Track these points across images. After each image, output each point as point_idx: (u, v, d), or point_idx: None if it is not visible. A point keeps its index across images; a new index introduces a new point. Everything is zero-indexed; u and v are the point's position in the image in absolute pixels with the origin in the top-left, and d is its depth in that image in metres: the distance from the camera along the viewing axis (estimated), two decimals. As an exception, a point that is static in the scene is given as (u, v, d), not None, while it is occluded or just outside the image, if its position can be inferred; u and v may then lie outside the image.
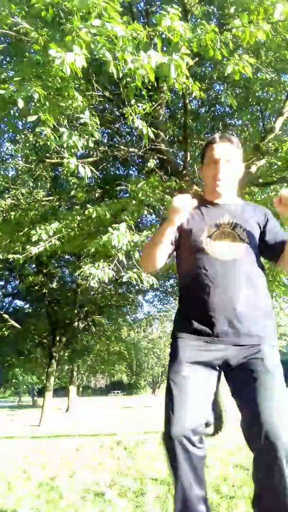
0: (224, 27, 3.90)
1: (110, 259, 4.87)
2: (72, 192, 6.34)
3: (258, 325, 1.48)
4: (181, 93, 5.69)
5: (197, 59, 4.32)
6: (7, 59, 4.62)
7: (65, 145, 3.53)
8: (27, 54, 4.08)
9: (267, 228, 1.63)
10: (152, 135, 4.14)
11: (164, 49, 3.20)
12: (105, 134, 6.86)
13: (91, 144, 3.80)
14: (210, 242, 1.53)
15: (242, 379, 1.43)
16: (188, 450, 1.34)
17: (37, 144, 5.38)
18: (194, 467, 1.37)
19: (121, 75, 2.86)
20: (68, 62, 2.39)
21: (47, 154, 5.33)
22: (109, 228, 4.36)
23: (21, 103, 2.99)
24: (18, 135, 5.39)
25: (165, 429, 1.37)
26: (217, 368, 1.47)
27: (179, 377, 1.42)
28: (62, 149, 3.89)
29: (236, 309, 1.45)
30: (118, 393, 41.41)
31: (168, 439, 1.36)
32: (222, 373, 1.52)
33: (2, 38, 4.29)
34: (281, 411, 1.33)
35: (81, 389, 40.75)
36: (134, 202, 5.09)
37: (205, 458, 1.43)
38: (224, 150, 1.60)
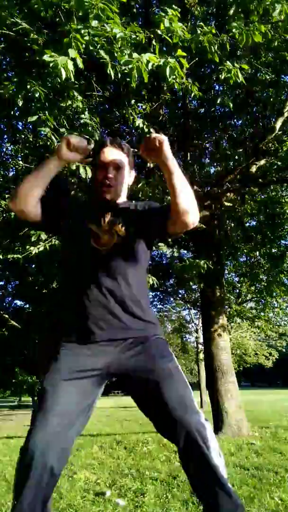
0: (223, 29, 3.90)
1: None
2: (72, 193, 6.33)
3: (135, 319, 1.46)
4: (181, 94, 5.69)
5: (197, 59, 4.32)
6: (7, 59, 4.61)
7: None
8: (27, 54, 4.09)
9: (151, 210, 1.62)
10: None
11: (164, 49, 3.21)
12: (105, 135, 6.86)
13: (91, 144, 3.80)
14: (87, 238, 1.51)
15: (137, 383, 1.40)
16: (43, 471, 1.19)
17: (37, 145, 5.38)
18: (44, 494, 1.20)
19: (119, 76, 2.86)
20: (62, 65, 2.39)
21: (47, 155, 5.33)
22: None
23: (20, 103, 2.99)
24: (18, 135, 5.39)
25: (25, 440, 1.23)
26: (98, 377, 1.40)
27: (54, 387, 1.31)
28: None
29: (111, 305, 1.43)
30: (118, 393, 41.38)
31: (25, 452, 1.21)
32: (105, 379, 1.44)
33: (2, 38, 4.29)
34: (183, 397, 1.34)
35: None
36: (134, 202, 5.07)
37: (56, 482, 1.26)
38: (114, 155, 1.59)
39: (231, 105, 4.68)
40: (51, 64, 2.39)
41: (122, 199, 1.68)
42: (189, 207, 1.44)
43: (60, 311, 1.56)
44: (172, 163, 1.48)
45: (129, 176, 1.69)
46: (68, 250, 1.59)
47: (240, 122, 7.42)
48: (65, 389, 1.31)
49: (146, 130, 4.02)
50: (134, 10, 5.64)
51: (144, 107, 4.54)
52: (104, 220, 1.55)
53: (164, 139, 1.44)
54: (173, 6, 2.89)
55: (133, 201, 1.75)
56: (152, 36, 2.82)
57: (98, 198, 1.64)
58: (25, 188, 1.47)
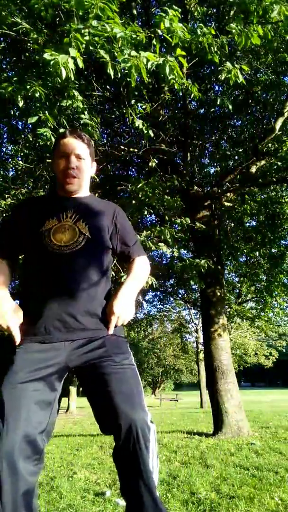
0: (223, 30, 3.91)
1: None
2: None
3: (93, 319, 1.43)
4: (181, 94, 5.69)
5: (197, 59, 4.33)
6: (7, 59, 4.62)
7: None
8: (27, 54, 4.10)
9: (118, 225, 1.63)
10: (152, 135, 4.15)
11: (164, 50, 3.21)
12: (105, 135, 6.86)
13: None
14: (48, 235, 1.46)
15: (90, 376, 1.38)
16: (17, 472, 1.18)
17: (37, 145, 5.38)
18: (23, 497, 1.19)
19: (119, 75, 2.86)
20: (62, 64, 2.39)
21: (47, 154, 5.33)
22: None
23: (21, 103, 2.99)
24: (18, 135, 5.39)
25: None
26: (57, 374, 1.37)
27: (13, 388, 1.28)
28: None
29: (69, 304, 1.40)
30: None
31: None
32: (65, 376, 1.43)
33: (1, 38, 4.30)
34: (133, 393, 1.33)
35: (81, 389, 40.77)
36: (134, 202, 5.09)
37: (35, 486, 1.25)
38: (74, 145, 1.55)
39: (230, 106, 4.68)
40: (51, 63, 2.39)
41: (85, 191, 1.65)
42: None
43: (21, 308, 1.56)
44: (128, 288, 1.57)
45: (91, 168, 1.65)
46: (29, 249, 1.52)
47: (240, 122, 7.43)
48: (24, 391, 1.28)
49: (145, 131, 4.01)
50: (134, 11, 5.64)
51: (144, 107, 4.54)
52: (66, 215, 1.51)
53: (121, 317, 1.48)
54: (174, 6, 2.89)
55: (95, 196, 1.74)
56: (153, 36, 2.82)
57: (60, 191, 1.60)
58: None
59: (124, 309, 1.47)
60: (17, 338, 1.39)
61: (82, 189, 1.62)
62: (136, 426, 1.25)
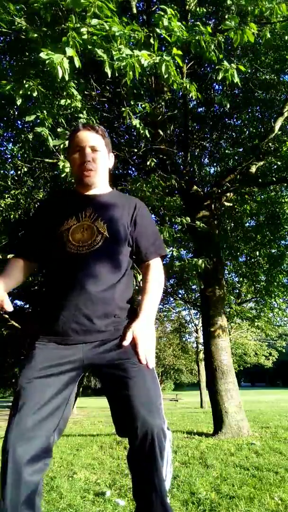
0: (219, 28, 3.92)
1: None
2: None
3: (111, 320, 1.41)
4: (180, 93, 5.69)
5: (195, 60, 4.33)
6: (7, 58, 4.62)
7: (61, 146, 3.53)
8: (26, 53, 4.09)
9: (137, 223, 1.55)
10: (148, 135, 4.15)
11: (164, 48, 3.21)
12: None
13: None
14: (66, 235, 1.44)
15: (109, 377, 1.37)
16: (23, 466, 1.18)
17: (37, 144, 5.38)
18: (27, 493, 1.19)
19: (116, 74, 2.86)
20: (57, 64, 2.39)
21: (47, 154, 5.33)
22: None
23: (19, 101, 2.98)
24: (17, 134, 5.39)
25: (3, 440, 1.22)
26: (74, 371, 1.37)
27: (29, 382, 1.29)
28: (58, 151, 3.88)
29: (86, 306, 1.37)
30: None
31: (3, 451, 1.19)
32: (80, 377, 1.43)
33: (1, 38, 4.30)
34: (152, 398, 1.31)
35: (81, 389, 40.74)
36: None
37: (40, 483, 1.24)
38: (89, 137, 1.51)
39: (228, 105, 4.67)
40: (47, 62, 2.38)
41: (104, 185, 1.61)
42: None
43: (39, 307, 1.58)
44: (149, 313, 1.48)
45: (108, 159, 1.61)
46: (49, 249, 1.49)
47: (239, 122, 7.43)
48: (39, 386, 1.29)
49: (142, 131, 4.01)
50: (134, 9, 5.64)
51: (144, 106, 4.53)
52: (85, 215, 1.48)
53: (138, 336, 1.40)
54: (173, 5, 2.90)
55: (117, 191, 1.67)
56: (151, 34, 2.82)
57: (78, 187, 1.57)
58: None
59: (146, 348, 1.41)
60: (8, 307, 1.38)
61: (100, 183, 1.57)
62: (152, 432, 1.23)
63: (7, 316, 14.27)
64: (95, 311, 1.39)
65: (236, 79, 3.23)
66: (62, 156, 3.78)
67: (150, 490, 1.24)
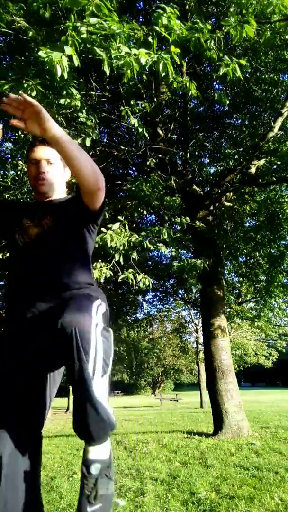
0: (217, 24, 3.91)
1: (108, 259, 4.85)
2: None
3: (60, 298, 1.39)
4: (180, 93, 5.68)
5: (194, 59, 4.32)
6: (6, 58, 4.61)
7: None
8: (26, 53, 4.08)
9: (74, 200, 1.62)
10: (147, 134, 4.15)
11: (164, 47, 3.20)
12: (104, 134, 6.86)
13: (88, 144, 3.79)
14: (20, 233, 1.57)
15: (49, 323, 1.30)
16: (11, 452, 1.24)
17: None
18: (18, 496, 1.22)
19: (115, 73, 2.85)
20: (56, 62, 2.39)
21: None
22: (102, 228, 4.35)
23: None
24: (17, 134, 5.39)
25: None
26: (35, 357, 1.40)
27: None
28: None
29: (40, 293, 1.43)
30: (118, 393, 41.42)
31: None
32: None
33: (1, 38, 4.29)
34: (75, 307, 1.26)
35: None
36: (133, 201, 5.07)
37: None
38: (43, 151, 1.62)
39: (227, 102, 4.64)
40: (46, 60, 2.38)
41: (60, 194, 1.71)
42: (93, 177, 1.43)
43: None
44: (62, 134, 1.33)
45: (63, 172, 1.71)
46: (8, 245, 1.66)
47: (239, 121, 7.42)
48: (8, 376, 1.35)
49: (140, 130, 4.00)
50: (134, 8, 5.64)
51: (144, 105, 4.52)
52: (39, 216, 1.60)
53: (39, 107, 1.26)
54: (172, 4, 2.88)
55: (68, 196, 1.77)
56: (150, 33, 2.81)
57: (36, 195, 1.69)
58: None
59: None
60: None
61: (55, 192, 1.68)
62: (72, 328, 1.17)
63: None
64: (50, 291, 1.44)
65: (238, 73, 3.21)
66: None
67: (76, 391, 1.18)
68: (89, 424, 1.15)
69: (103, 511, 1.16)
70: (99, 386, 1.18)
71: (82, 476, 1.17)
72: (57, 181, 1.67)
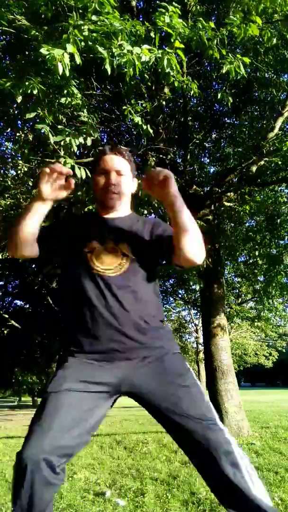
0: (222, 25, 3.91)
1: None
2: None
3: (146, 336, 1.41)
4: (180, 92, 5.68)
5: (196, 58, 4.31)
6: (7, 57, 4.60)
7: (62, 143, 3.51)
8: (27, 52, 4.08)
9: (155, 234, 1.54)
10: (151, 131, 4.14)
11: (165, 46, 3.19)
12: (104, 134, 6.85)
13: (89, 143, 3.79)
14: (91, 257, 1.45)
15: (151, 397, 1.36)
16: (36, 480, 1.16)
17: (36, 144, 5.37)
18: (40, 502, 1.18)
19: (116, 71, 2.84)
20: (58, 59, 2.38)
21: (47, 153, 5.32)
22: None
23: (19, 99, 2.97)
24: (17, 134, 5.38)
25: (22, 445, 1.20)
26: (108, 390, 1.36)
27: (57, 394, 1.28)
28: (59, 148, 3.87)
29: (120, 326, 1.38)
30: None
31: (20, 457, 1.18)
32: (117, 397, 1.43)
33: (2, 37, 4.28)
34: (204, 409, 1.32)
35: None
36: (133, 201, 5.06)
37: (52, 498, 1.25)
38: (114, 161, 1.53)
39: (231, 100, 4.62)
40: (47, 57, 2.37)
41: (126, 209, 1.62)
42: (195, 249, 1.39)
43: (65, 327, 1.55)
44: (179, 200, 1.39)
45: (132, 184, 1.62)
46: (70, 272, 1.50)
47: (239, 121, 7.42)
48: (68, 398, 1.27)
49: (145, 127, 3.99)
50: (135, 9, 5.64)
51: (144, 105, 4.52)
52: (108, 237, 1.48)
53: (170, 175, 1.35)
54: (174, 3, 2.87)
55: (135, 214, 1.69)
56: (152, 28, 2.79)
57: (101, 209, 1.59)
58: (19, 237, 1.37)
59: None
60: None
61: (122, 206, 1.59)
62: (217, 450, 1.23)
63: (7, 316, 14.28)
64: (132, 328, 1.39)
65: (242, 71, 3.20)
66: (62, 152, 3.77)
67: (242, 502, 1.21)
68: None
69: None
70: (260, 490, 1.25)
71: None
72: (125, 194, 1.58)
